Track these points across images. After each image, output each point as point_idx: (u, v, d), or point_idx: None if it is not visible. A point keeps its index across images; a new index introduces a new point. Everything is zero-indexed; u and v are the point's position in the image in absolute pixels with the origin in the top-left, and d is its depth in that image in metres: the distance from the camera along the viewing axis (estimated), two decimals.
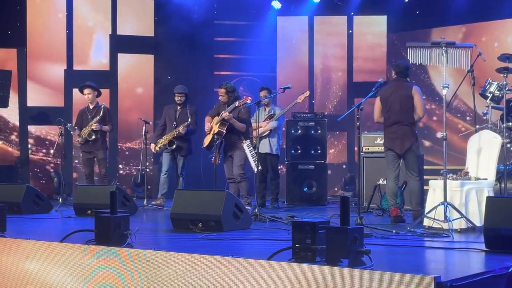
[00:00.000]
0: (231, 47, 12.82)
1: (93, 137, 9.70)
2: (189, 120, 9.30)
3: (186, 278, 4.18)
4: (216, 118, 8.48)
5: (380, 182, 8.76)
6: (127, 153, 12.26)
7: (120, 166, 12.24)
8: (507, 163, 7.50)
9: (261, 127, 8.91)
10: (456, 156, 10.38)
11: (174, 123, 9.43)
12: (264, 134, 9.34)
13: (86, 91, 9.90)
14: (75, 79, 11.78)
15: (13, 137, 12.10)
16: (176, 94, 9.47)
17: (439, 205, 6.12)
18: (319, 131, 10.13)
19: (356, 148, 10.86)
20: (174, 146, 9.34)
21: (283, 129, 10.08)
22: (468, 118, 11.27)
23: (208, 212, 6.28)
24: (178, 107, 9.50)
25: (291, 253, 4.19)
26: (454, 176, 6.49)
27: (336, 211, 7.19)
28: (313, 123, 10.15)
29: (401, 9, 11.91)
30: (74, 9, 12.19)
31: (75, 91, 11.60)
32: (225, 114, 8.24)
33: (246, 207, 7.28)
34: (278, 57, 12.78)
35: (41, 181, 11.93)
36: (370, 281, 3.47)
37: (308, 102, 12.27)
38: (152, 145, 9.56)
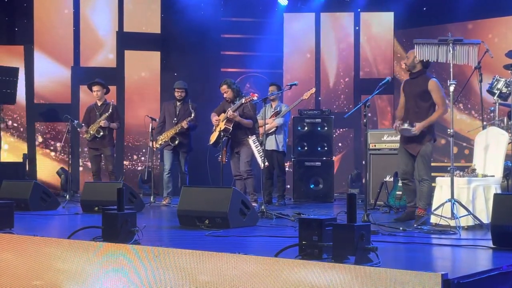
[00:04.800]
0: (238, 44, 12.81)
1: (101, 133, 9.73)
2: (193, 115, 9.30)
3: (193, 275, 4.18)
4: (223, 115, 8.47)
5: (387, 179, 8.76)
6: (133, 150, 12.29)
7: (127, 162, 12.26)
8: None
9: (267, 124, 8.91)
10: (463, 153, 10.36)
11: (175, 119, 9.42)
12: (271, 131, 9.34)
13: (95, 88, 9.94)
14: (82, 76, 11.83)
15: (20, 134, 12.14)
16: (176, 90, 9.48)
17: (446, 202, 6.11)
18: (326, 128, 10.13)
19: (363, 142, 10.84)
20: (176, 142, 9.33)
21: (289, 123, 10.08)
22: (475, 114, 11.23)
23: (214, 209, 6.29)
24: (178, 103, 9.49)
25: (297, 250, 4.18)
26: (461, 173, 6.47)
27: (343, 208, 7.21)
28: (320, 120, 10.15)
29: (408, 6, 11.87)
30: (81, 6, 12.23)
31: (82, 88, 11.65)
32: (229, 113, 8.23)
33: (253, 204, 7.28)
34: (284, 54, 12.77)
35: (48, 178, 11.97)
36: (377, 279, 3.47)
37: (314, 99, 12.26)
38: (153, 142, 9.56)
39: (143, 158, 12.13)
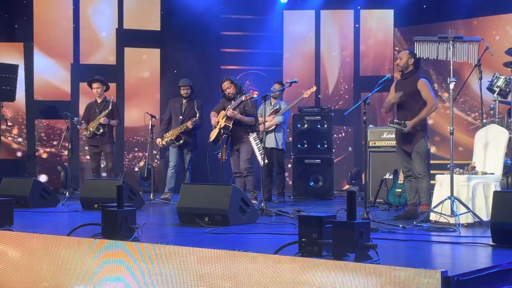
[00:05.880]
0: (238, 41, 12.81)
1: (101, 130, 9.73)
2: (198, 115, 9.31)
3: (193, 272, 4.18)
4: (222, 113, 8.47)
5: (387, 176, 8.76)
6: (133, 147, 12.28)
7: (126, 160, 12.26)
8: None
9: (266, 121, 8.90)
10: (463, 151, 10.35)
11: (181, 117, 9.43)
12: (270, 129, 9.34)
13: (95, 85, 9.94)
14: (82, 73, 11.82)
15: (20, 131, 12.14)
16: (181, 87, 9.47)
17: (446, 199, 6.11)
18: (326, 126, 10.13)
19: (362, 142, 10.83)
20: (181, 141, 9.36)
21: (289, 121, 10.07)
22: (475, 112, 11.23)
23: (214, 206, 6.28)
24: (184, 101, 9.49)
25: (297, 247, 4.18)
26: (461, 170, 6.48)
27: (342, 206, 7.20)
28: (320, 117, 10.14)
29: (408, 3, 11.87)
30: (81, 3, 12.22)
31: (82, 85, 11.64)
32: (229, 112, 8.23)
33: (253, 201, 7.28)
34: (284, 51, 12.77)
35: (48, 175, 11.96)
36: (377, 276, 3.47)
37: (314, 96, 12.25)
38: (158, 139, 9.57)
39: (142, 155, 12.11)
